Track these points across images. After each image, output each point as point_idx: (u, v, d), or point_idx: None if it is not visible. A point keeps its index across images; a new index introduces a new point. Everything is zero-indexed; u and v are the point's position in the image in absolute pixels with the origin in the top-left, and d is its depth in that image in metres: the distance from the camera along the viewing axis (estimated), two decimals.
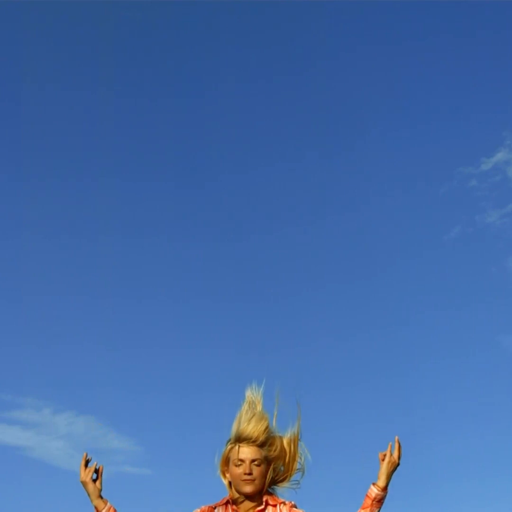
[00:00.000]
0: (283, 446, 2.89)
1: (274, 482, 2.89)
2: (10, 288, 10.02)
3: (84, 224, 10.32)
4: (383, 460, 2.82)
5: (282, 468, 2.90)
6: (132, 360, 9.92)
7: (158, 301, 10.21)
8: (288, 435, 2.92)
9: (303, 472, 2.92)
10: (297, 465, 2.91)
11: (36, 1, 10.03)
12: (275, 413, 2.93)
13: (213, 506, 2.87)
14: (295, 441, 2.91)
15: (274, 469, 2.86)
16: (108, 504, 2.85)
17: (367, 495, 2.79)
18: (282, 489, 2.91)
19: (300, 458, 2.93)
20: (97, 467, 2.88)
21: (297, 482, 2.91)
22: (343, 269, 10.16)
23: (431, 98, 10.30)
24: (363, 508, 2.78)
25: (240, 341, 9.95)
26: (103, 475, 2.88)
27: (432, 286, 9.97)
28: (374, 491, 2.78)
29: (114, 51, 10.25)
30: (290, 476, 2.91)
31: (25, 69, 10.00)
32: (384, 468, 2.80)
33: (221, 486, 2.93)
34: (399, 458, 2.82)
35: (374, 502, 2.77)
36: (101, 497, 2.86)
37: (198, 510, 2.88)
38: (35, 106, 10.15)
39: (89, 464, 2.88)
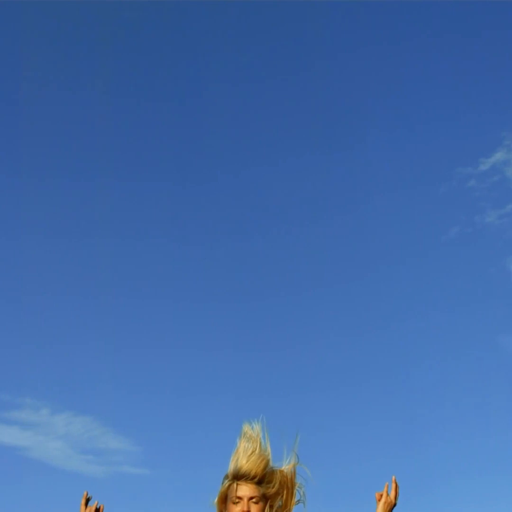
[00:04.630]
0: (281, 482, 2.85)
1: None
2: (9, 288, 10.02)
3: (83, 224, 10.32)
4: (379, 500, 2.78)
5: (280, 504, 2.87)
6: (130, 361, 9.92)
7: (157, 301, 10.21)
8: (285, 470, 2.88)
9: (304, 503, 2.88)
10: (294, 501, 2.87)
11: (36, 1, 10.03)
12: (268, 444, 2.88)
13: None
14: (292, 477, 2.87)
15: (271, 506, 2.82)
16: None
17: None
18: None
19: (300, 489, 2.89)
20: (98, 507, 2.86)
21: None
22: (341, 269, 10.16)
23: (430, 98, 10.31)
24: None
25: (240, 341, 9.95)
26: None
27: (431, 286, 9.98)
28: None
29: (113, 51, 10.26)
30: (289, 511, 2.86)
31: (25, 69, 10.00)
32: (380, 508, 2.77)
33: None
34: (395, 498, 2.79)
35: None
36: None
37: None
38: (34, 106, 10.16)
39: (90, 503, 2.86)
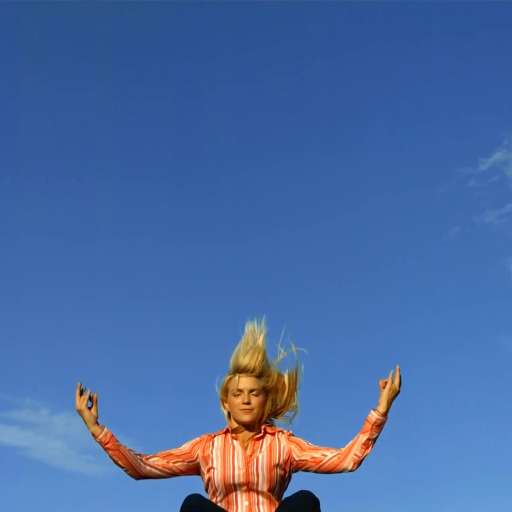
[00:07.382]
0: (282, 379, 2.94)
1: (272, 414, 2.94)
2: (8, 288, 10.02)
3: (83, 224, 10.32)
4: (384, 387, 2.84)
5: (279, 404, 2.95)
6: (131, 361, 9.92)
7: (157, 301, 10.22)
8: (288, 371, 2.97)
9: (296, 411, 2.97)
10: (294, 400, 2.96)
11: (36, 1, 10.04)
12: (280, 358, 2.97)
13: (213, 435, 2.92)
14: (294, 375, 2.96)
15: (272, 402, 2.92)
16: (105, 429, 2.86)
17: (367, 419, 2.83)
18: (280, 421, 2.96)
19: (296, 395, 2.97)
20: (91, 395, 2.87)
21: (289, 418, 2.96)
22: (341, 269, 10.17)
23: (429, 98, 10.32)
24: (363, 432, 2.83)
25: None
26: (98, 402, 2.88)
27: (430, 286, 9.98)
28: (374, 415, 2.81)
29: (113, 50, 10.26)
30: (287, 409, 2.96)
31: (23, 68, 10.01)
32: (385, 394, 2.82)
33: None
34: (399, 385, 2.85)
35: (373, 426, 2.81)
36: (97, 423, 2.87)
37: (198, 438, 2.92)
38: (33, 106, 10.17)
39: (84, 393, 2.87)
